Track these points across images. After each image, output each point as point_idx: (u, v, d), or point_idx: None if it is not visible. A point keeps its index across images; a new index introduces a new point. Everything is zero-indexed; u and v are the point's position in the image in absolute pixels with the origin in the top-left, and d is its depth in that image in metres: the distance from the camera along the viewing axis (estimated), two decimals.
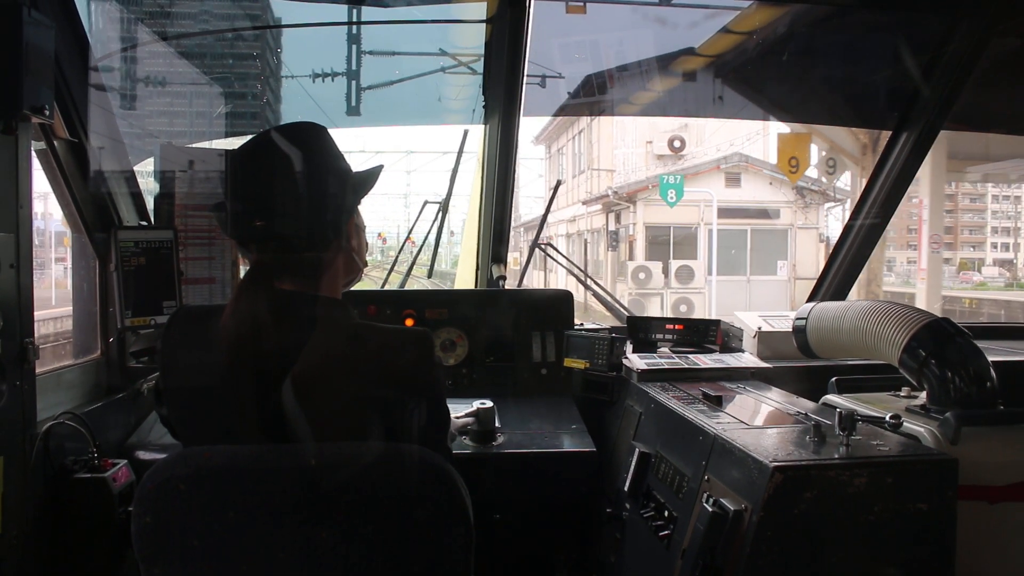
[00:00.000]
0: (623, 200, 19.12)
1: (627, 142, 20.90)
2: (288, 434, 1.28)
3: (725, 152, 18.71)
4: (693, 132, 19.61)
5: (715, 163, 18.58)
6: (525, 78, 2.93)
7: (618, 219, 20.28)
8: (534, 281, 17.89)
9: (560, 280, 15.29)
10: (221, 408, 1.34)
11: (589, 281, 3.42)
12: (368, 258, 1.65)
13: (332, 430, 1.30)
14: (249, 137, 1.46)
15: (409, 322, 2.80)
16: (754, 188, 18.72)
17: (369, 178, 1.54)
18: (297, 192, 1.42)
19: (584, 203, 21.86)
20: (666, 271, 17.94)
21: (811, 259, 18.66)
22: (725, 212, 18.39)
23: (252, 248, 1.44)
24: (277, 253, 1.40)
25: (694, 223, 18.78)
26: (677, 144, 19.82)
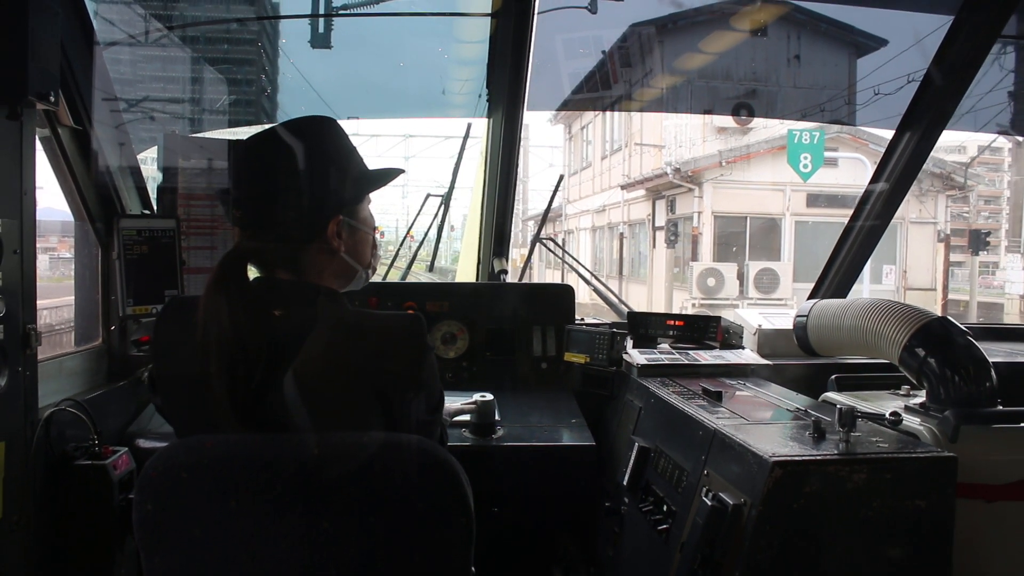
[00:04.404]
0: (686, 181, 15.14)
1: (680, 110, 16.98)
2: (277, 421, 1.27)
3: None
4: (763, 99, 16.33)
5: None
6: (530, 69, 2.91)
7: (671, 207, 16.45)
8: (548, 279, 17.02)
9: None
10: (208, 396, 1.34)
11: (591, 278, 3.42)
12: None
13: (320, 413, 1.29)
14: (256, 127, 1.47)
15: None
16: (853, 168, 14.27)
17: (376, 178, 1.54)
18: (278, 181, 1.41)
19: (623, 188, 17.92)
20: (742, 276, 14.04)
21: (926, 263, 14.59)
22: (815, 200, 14.72)
23: (239, 233, 1.45)
24: (257, 240, 1.40)
25: (778, 213, 14.79)
26: (743, 113, 16.83)
